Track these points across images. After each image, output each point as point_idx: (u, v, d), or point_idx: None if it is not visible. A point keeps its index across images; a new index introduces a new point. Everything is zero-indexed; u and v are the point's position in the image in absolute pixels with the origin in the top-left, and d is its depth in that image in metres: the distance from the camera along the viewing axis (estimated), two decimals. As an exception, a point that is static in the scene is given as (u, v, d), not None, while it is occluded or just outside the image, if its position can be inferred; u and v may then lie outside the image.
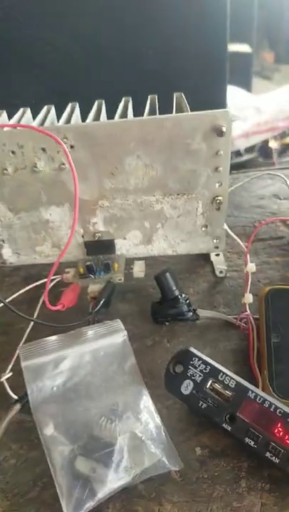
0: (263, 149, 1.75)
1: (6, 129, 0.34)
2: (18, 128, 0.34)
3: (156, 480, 0.28)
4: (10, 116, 0.40)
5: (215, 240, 0.41)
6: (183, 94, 0.37)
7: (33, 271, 0.46)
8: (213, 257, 0.44)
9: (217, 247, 0.41)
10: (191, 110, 0.36)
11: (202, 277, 0.43)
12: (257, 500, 0.27)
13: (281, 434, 0.27)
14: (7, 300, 0.41)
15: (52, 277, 0.41)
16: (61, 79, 0.84)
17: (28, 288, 0.41)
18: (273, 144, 1.73)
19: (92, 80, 0.86)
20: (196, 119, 0.33)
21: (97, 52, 0.86)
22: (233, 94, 1.72)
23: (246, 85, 1.81)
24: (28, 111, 0.38)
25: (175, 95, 0.37)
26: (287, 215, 0.50)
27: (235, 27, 0.92)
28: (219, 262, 0.43)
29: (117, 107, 0.38)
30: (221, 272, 0.42)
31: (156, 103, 0.37)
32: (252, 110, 1.51)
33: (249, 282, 0.38)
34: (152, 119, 0.33)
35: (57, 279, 0.41)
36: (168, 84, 0.94)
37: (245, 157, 1.69)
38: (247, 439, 0.27)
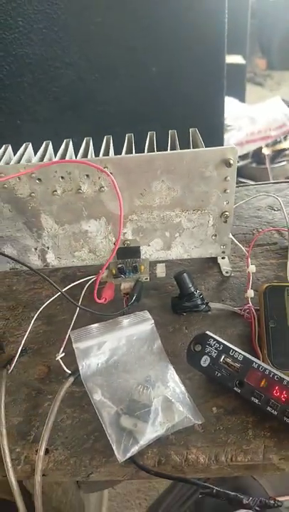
0: (257, 156, 1.84)
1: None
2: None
3: (183, 432, 0.37)
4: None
5: (222, 246, 0.50)
6: (197, 130, 0.46)
7: (69, 272, 0.55)
8: (219, 260, 0.53)
9: (224, 252, 0.50)
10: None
11: (211, 276, 0.52)
12: (261, 444, 0.36)
13: (278, 393, 0.36)
14: (53, 298, 0.50)
15: (89, 277, 0.50)
16: (73, 98, 0.93)
17: (70, 286, 0.49)
18: (266, 151, 1.82)
19: (101, 95, 0.95)
20: (210, 154, 0.42)
21: (107, 69, 0.94)
22: (228, 104, 1.82)
23: (240, 95, 1.91)
24: (70, 143, 0.47)
25: (191, 131, 0.46)
26: (280, 224, 0.59)
27: (229, 37, 1.00)
28: (225, 264, 0.52)
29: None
30: (226, 272, 0.51)
31: (176, 137, 0.46)
32: (246, 120, 1.60)
33: (250, 280, 0.47)
34: (175, 153, 0.42)
35: (93, 279, 0.50)
36: (171, 99, 1.04)
37: (240, 163, 1.79)
38: (253, 398, 0.36)
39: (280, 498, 0.36)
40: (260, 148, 1.81)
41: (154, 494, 0.94)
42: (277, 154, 1.88)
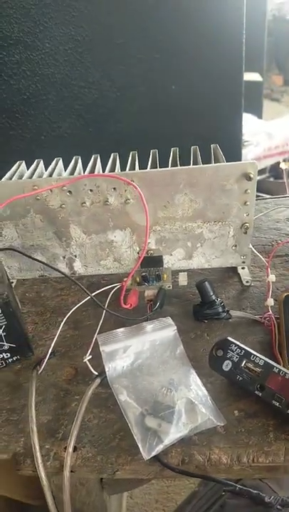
0: (274, 170, 1.86)
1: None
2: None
3: (206, 433, 0.38)
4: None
5: (242, 257, 0.52)
6: (218, 146, 0.48)
7: (93, 280, 0.58)
8: (239, 270, 0.55)
9: (244, 262, 0.52)
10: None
11: (231, 286, 0.54)
12: (282, 446, 0.37)
13: (298, 397, 0.37)
14: (80, 304, 0.52)
15: (113, 285, 0.53)
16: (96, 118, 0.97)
17: (97, 292, 0.51)
18: (283, 166, 1.84)
19: (122, 113, 0.99)
20: (231, 168, 0.44)
21: (128, 88, 0.98)
22: (246, 120, 1.85)
23: (257, 111, 1.94)
24: (98, 158, 0.50)
25: (212, 147, 0.49)
26: (299, 236, 0.61)
27: (246, 54, 1.03)
28: (245, 274, 0.54)
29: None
30: (247, 282, 0.53)
31: (198, 152, 0.49)
32: (263, 135, 1.63)
33: (270, 289, 0.49)
34: (197, 168, 0.45)
35: (117, 286, 0.52)
36: (190, 117, 1.07)
37: (258, 178, 1.81)
38: (273, 401, 0.37)
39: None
40: (278, 163, 1.83)
41: (173, 505, 0.94)
42: (295, 169, 1.89)
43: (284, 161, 1.84)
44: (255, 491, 0.33)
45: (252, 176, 0.43)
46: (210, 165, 0.44)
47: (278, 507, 0.32)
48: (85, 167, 0.49)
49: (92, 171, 0.47)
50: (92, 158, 0.50)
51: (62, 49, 0.91)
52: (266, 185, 1.77)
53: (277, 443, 0.37)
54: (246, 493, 0.32)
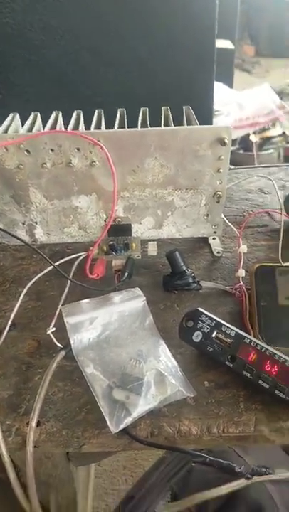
0: (244, 142, 1.85)
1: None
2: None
3: (175, 404, 0.37)
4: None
5: (214, 226, 0.50)
6: (190, 108, 0.45)
7: (57, 249, 0.54)
8: (210, 241, 0.53)
9: (215, 232, 0.51)
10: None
11: (202, 256, 0.53)
12: (252, 416, 0.37)
13: (269, 368, 0.36)
14: (42, 273, 0.49)
15: (78, 254, 0.50)
16: (63, 73, 0.90)
17: (61, 262, 0.48)
18: (253, 138, 1.83)
19: (89, 74, 0.92)
20: (204, 131, 0.41)
21: (96, 48, 0.92)
22: (217, 89, 1.81)
23: (228, 81, 1.90)
24: (60, 115, 0.46)
25: (184, 108, 0.46)
26: (271, 207, 0.60)
27: (218, 21, 0.99)
28: (216, 245, 0.53)
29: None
30: (218, 253, 0.52)
31: (169, 114, 0.46)
32: (234, 106, 1.60)
33: (242, 260, 0.48)
34: (169, 130, 0.42)
35: (83, 255, 0.50)
36: (161, 81, 1.02)
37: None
38: (244, 372, 0.37)
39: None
40: (248, 135, 1.82)
41: (140, 471, 0.95)
42: (265, 142, 1.89)
43: (254, 133, 1.83)
44: (225, 462, 0.32)
45: (226, 140, 0.41)
46: (182, 127, 0.42)
47: (248, 476, 0.32)
48: (45, 125, 0.45)
49: (54, 128, 0.43)
50: (53, 114, 0.45)
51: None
52: (236, 158, 1.76)
53: (247, 413, 0.37)
54: (216, 464, 0.32)
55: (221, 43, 1.96)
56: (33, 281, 0.46)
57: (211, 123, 1.16)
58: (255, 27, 3.72)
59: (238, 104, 1.62)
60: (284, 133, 1.92)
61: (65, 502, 0.55)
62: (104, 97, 0.94)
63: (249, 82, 3.02)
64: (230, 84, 1.92)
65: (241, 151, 1.83)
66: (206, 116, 1.13)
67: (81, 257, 0.49)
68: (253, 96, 1.71)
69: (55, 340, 0.41)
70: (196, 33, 0.98)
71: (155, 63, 0.98)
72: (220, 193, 0.46)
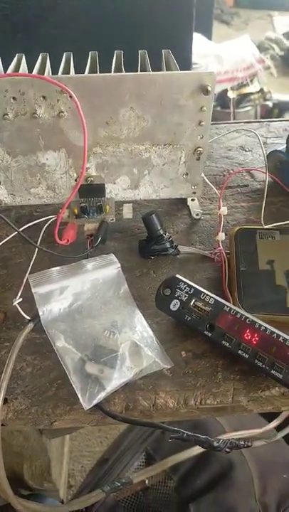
0: (221, 99, 1.78)
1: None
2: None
3: (151, 376, 0.36)
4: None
5: (193, 187, 0.46)
6: (170, 51, 0.40)
7: (24, 211, 0.50)
8: (189, 202, 0.50)
9: (194, 193, 0.47)
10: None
11: (180, 219, 0.49)
12: (230, 386, 0.35)
13: (249, 336, 0.35)
14: (6, 239, 0.45)
15: (47, 217, 0.46)
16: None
17: (27, 226, 0.45)
18: (231, 94, 1.76)
19: (57, 15, 0.84)
20: (185, 78, 0.37)
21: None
22: (195, 40, 1.71)
23: (207, 32, 1.80)
24: (23, 58, 0.40)
25: (163, 52, 0.41)
26: (251, 165, 0.56)
27: None
28: (195, 206, 0.50)
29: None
30: (197, 215, 0.49)
31: (146, 58, 0.41)
32: (213, 59, 1.52)
33: (222, 223, 0.45)
34: (147, 75, 0.37)
35: (52, 219, 0.46)
36: (135, 25, 0.94)
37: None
38: (223, 342, 0.35)
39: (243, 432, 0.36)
40: (226, 92, 1.75)
41: (115, 433, 0.97)
42: (242, 99, 1.83)
43: (232, 89, 1.76)
44: (204, 436, 0.31)
45: (209, 88, 0.37)
46: (161, 72, 0.37)
47: (227, 449, 0.31)
48: (6, 70, 0.40)
49: (17, 72, 0.38)
50: (16, 57, 0.40)
51: None
52: (213, 115, 1.70)
53: (225, 383, 0.35)
54: (194, 439, 0.31)
55: (200, -11, 1.83)
56: (-4, 247, 0.42)
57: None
58: (235, -26, 3.52)
59: (216, 56, 1.54)
60: (262, 89, 1.86)
61: (39, 471, 0.55)
62: (75, 40, 0.86)
63: (228, 33, 2.88)
64: (208, 36, 1.82)
65: (218, 108, 1.77)
66: (184, 66, 1.07)
67: (50, 221, 0.45)
68: (233, 48, 1.62)
69: (22, 312, 0.37)
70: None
71: (132, 4, 0.90)
72: (201, 149, 0.43)
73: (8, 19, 0.83)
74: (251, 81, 1.79)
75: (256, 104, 1.81)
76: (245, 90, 1.79)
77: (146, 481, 0.62)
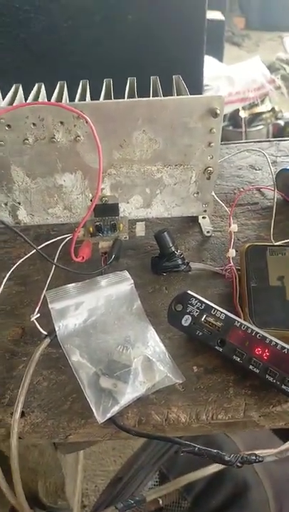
0: (233, 118, 1.81)
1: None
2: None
3: (164, 391, 0.36)
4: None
5: (204, 205, 0.48)
6: (180, 77, 0.42)
7: (42, 231, 0.52)
8: (200, 220, 0.51)
9: (205, 211, 0.48)
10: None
11: (192, 236, 0.51)
12: (242, 401, 0.36)
13: (260, 352, 0.35)
14: (25, 257, 0.47)
15: (64, 236, 0.48)
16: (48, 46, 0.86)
17: (45, 244, 0.46)
18: (243, 114, 1.79)
19: (74, 44, 0.88)
20: (195, 102, 0.39)
21: (81, 16, 0.87)
22: (207, 63, 1.76)
23: (218, 54, 1.84)
24: (43, 86, 0.43)
25: (174, 78, 0.43)
26: (261, 183, 0.58)
27: None
28: (206, 224, 0.51)
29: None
30: (208, 232, 0.50)
31: (158, 84, 0.43)
32: (224, 80, 1.55)
33: (232, 240, 0.46)
34: (158, 100, 0.39)
35: (68, 237, 0.47)
36: (148, 52, 0.98)
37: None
38: (234, 357, 0.36)
39: (256, 452, 0.36)
40: (237, 111, 1.78)
41: (129, 452, 0.96)
42: (254, 118, 1.85)
43: (243, 109, 1.79)
44: (215, 451, 0.31)
45: (218, 111, 0.38)
46: (172, 97, 0.39)
47: (238, 464, 0.31)
48: (27, 98, 0.42)
49: (36, 100, 0.40)
50: (36, 86, 0.42)
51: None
52: (225, 134, 1.72)
53: (237, 399, 0.36)
54: (205, 453, 0.31)
55: (212, 15, 1.89)
56: (16, 265, 0.44)
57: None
58: (246, -2, 3.61)
59: (228, 78, 1.57)
60: (273, 109, 1.89)
61: (53, 488, 0.55)
62: (90, 68, 0.90)
63: (239, 55, 2.94)
64: (220, 58, 1.86)
65: (230, 128, 1.79)
66: (195, 91, 1.10)
67: (66, 240, 0.47)
68: (243, 70, 1.66)
69: (39, 327, 0.39)
70: (186, 1, 0.93)
71: (144, 32, 0.93)
72: (211, 168, 0.44)
73: (28, 49, 0.88)
74: (262, 101, 1.82)
75: (268, 123, 1.83)
76: (257, 110, 1.82)
77: (160, 502, 0.61)
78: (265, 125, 1.85)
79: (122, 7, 0.91)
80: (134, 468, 0.68)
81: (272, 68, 2.43)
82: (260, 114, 1.84)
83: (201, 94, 1.09)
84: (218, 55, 1.87)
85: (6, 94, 0.43)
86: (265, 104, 1.86)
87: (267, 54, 2.69)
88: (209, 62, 1.69)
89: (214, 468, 0.58)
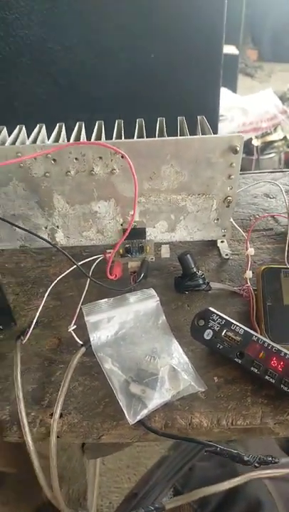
0: (247, 146, 1.88)
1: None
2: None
3: (187, 398, 0.40)
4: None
5: (223, 230, 0.53)
6: (204, 117, 0.48)
7: (75, 252, 0.57)
8: (219, 244, 0.56)
9: (224, 236, 0.53)
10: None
11: (211, 258, 0.55)
12: (259, 409, 0.39)
13: (276, 364, 0.39)
14: (63, 274, 0.52)
15: (95, 257, 0.53)
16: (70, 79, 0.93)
17: (81, 263, 0.51)
18: (255, 142, 1.86)
19: (99, 79, 0.95)
20: (217, 141, 0.44)
21: (106, 53, 0.95)
22: (222, 94, 1.84)
23: (232, 86, 1.93)
24: (83, 126, 0.49)
25: (199, 119, 0.48)
26: (275, 211, 0.62)
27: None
28: (224, 247, 0.55)
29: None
30: (226, 255, 0.55)
31: (185, 124, 0.48)
32: (238, 111, 1.63)
33: (249, 262, 0.50)
34: (184, 139, 0.44)
35: (99, 258, 0.52)
36: (169, 85, 1.05)
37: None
38: (252, 368, 0.40)
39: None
40: (250, 140, 1.85)
41: (143, 470, 0.98)
42: (266, 146, 1.92)
43: (256, 137, 1.86)
44: (235, 451, 0.35)
45: (238, 148, 0.44)
46: (197, 136, 0.44)
47: (256, 464, 0.35)
48: (66, 134, 0.48)
49: (78, 138, 0.46)
50: (77, 125, 0.48)
51: (37, 9, 0.86)
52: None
53: (254, 407, 0.39)
54: (226, 453, 0.34)
55: (226, 49, 1.99)
56: (54, 282, 0.49)
57: (216, 128, 1.19)
58: (259, 31, 3.75)
59: (241, 109, 1.65)
60: (285, 137, 1.96)
61: (76, 495, 0.58)
62: (113, 100, 0.97)
63: (252, 86, 3.05)
64: (234, 89, 1.95)
65: (244, 155, 1.86)
66: (212, 121, 1.16)
67: (98, 260, 0.52)
68: (256, 101, 1.73)
69: (76, 337, 0.43)
70: (204, 39, 1.00)
71: (165, 68, 1.01)
72: (230, 198, 0.49)
73: (57, 84, 0.95)
74: (275, 129, 1.89)
75: (280, 151, 1.90)
76: (269, 138, 1.88)
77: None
78: (277, 153, 1.91)
79: (146, 46, 0.99)
80: (149, 485, 0.70)
81: (284, 98, 2.52)
82: (273, 142, 1.91)
83: (216, 126, 1.16)
84: (233, 87, 1.96)
85: (37, 122, 0.49)
86: (278, 132, 1.92)
87: (279, 84, 2.79)
88: (224, 93, 1.77)
89: (228, 484, 0.60)
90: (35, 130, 0.47)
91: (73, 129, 0.48)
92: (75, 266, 0.52)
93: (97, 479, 0.93)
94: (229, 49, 2.02)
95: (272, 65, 3.59)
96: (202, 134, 0.47)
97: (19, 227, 0.44)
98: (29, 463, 0.39)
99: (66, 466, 0.54)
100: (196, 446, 0.72)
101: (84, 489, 0.60)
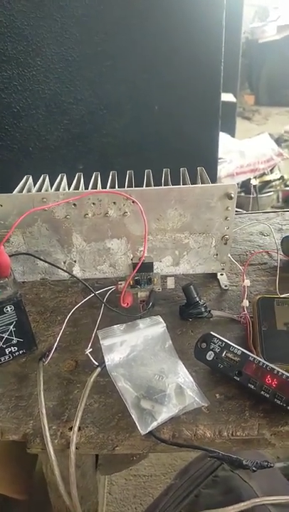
0: (245, 186, 1.98)
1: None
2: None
3: (192, 412, 0.45)
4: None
5: (222, 264, 0.59)
6: (204, 169, 0.56)
7: (88, 283, 0.63)
8: (219, 276, 0.63)
9: (223, 269, 0.60)
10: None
11: (212, 289, 0.61)
12: (256, 422, 0.44)
13: (270, 381, 0.44)
14: (79, 304, 0.58)
15: (107, 288, 0.59)
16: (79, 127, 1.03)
17: (98, 292, 0.58)
18: (254, 182, 1.96)
19: (107, 128, 1.05)
20: (215, 189, 0.52)
21: (114, 106, 1.05)
22: (220, 139, 1.97)
23: (231, 130, 2.06)
24: (99, 175, 0.57)
25: (198, 170, 0.56)
26: (269, 247, 0.69)
27: (222, 76, 1.11)
28: (223, 279, 0.62)
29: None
30: (225, 286, 0.61)
31: (186, 174, 0.56)
32: (236, 154, 1.74)
33: (246, 292, 0.56)
34: (187, 188, 0.52)
35: (111, 289, 0.59)
36: (171, 133, 1.14)
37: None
38: (249, 384, 0.45)
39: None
40: (249, 180, 1.95)
41: (150, 499, 0.99)
42: (264, 185, 2.02)
43: (254, 177, 1.97)
44: (235, 456, 0.39)
45: (232, 195, 0.51)
46: (198, 185, 0.52)
47: (254, 469, 0.39)
48: (70, 180, 0.56)
49: (95, 186, 0.54)
50: (94, 175, 0.56)
51: (53, 67, 0.97)
52: (238, 200, 1.87)
53: (252, 419, 0.44)
54: (227, 458, 0.39)
55: (225, 97, 2.14)
56: (72, 311, 0.55)
57: (215, 170, 1.28)
58: (255, 78, 3.99)
59: (239, 152, 1.76)
60: (282, 177, 2.07)
61: (88, 513, 0.61)
62: (119, 147, 1.07)
63: (249, 128, 3.22)
64: (232, 134, 2.08)
65: (243, 194, 1.96)
66: (211, 164, 1.26)
67: (111, 290, 0.58)
68: (254, 144, 1.85)
69: (92, 359, 0.49)
70: (203, 90, 1.11)
71: (167, 118, 1.11)
72: (227, 236, 0.56)
73: (69, 132, 1.05)
74: (272, 170, 2.00)
75: (277, 190, 2.00)
76: (267, 178, 1.99)
77: None
78: (275, 191, 2.01)
79: (150, 99, 1.09)
80: (156, 512, 0.73)
81: (280, 140, 2.66)
82: (270, 181, 2.01)
83: (215, 169, 1.25)
84: (231, 131, 2.09)
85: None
86: (275, 172, 2.04)
87: (275, 127, 2.95)
88: (223, 137, 1.90)
89: (233, 510, 0.63)
90: (58, 179, 0.55)
91: (83, 173, 0.56)
92: (91, 295, 0.59)
93: (104, 510, 0.95)
94: (227, 97, 2.17)
95: (268, 109, 3.80)
96: (202, 183, 0.55)
97: (44, 261, 0.51)
98: (40, 491, 0.43)
99: (79, 484, 0.57)
100: (202, 474, 0.74)
101: (95, 508, 0.63)
